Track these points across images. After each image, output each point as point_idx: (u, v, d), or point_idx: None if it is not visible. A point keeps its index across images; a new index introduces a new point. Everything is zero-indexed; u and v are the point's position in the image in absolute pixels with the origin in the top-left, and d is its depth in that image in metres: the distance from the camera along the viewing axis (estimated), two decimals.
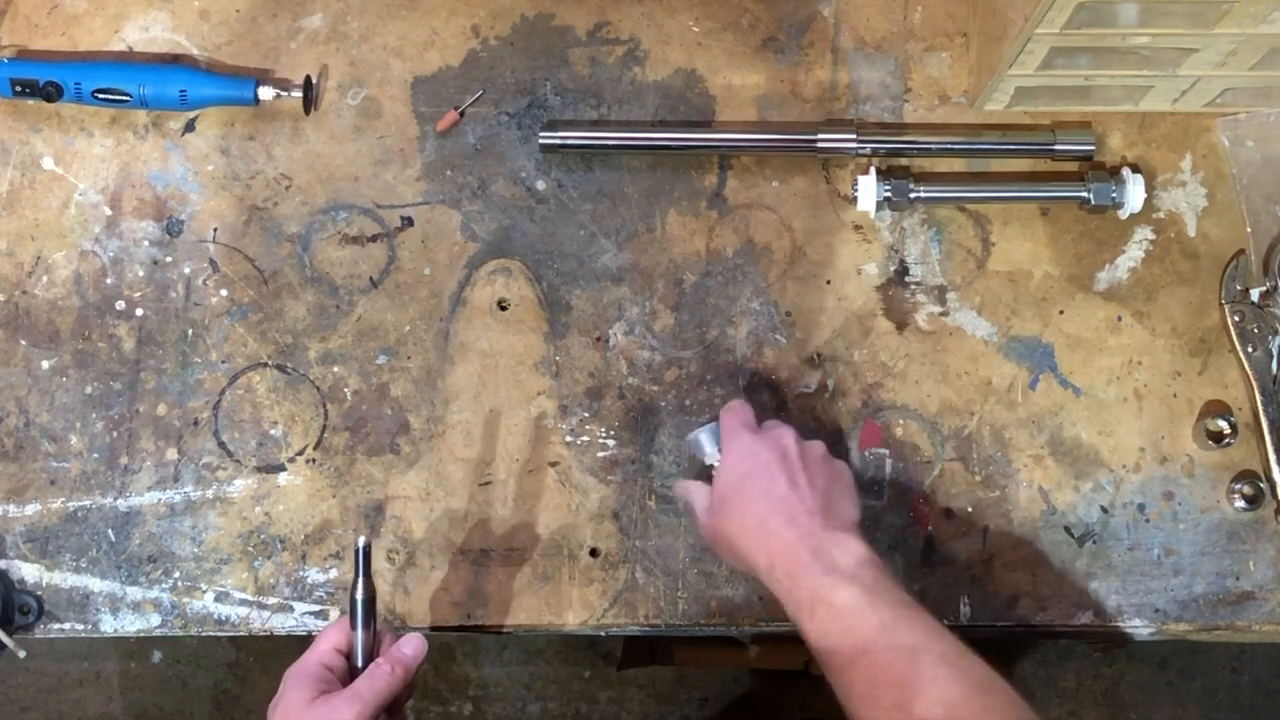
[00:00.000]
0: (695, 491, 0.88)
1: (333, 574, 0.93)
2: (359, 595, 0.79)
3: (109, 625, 0.93)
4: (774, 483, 0.82)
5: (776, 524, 0.80)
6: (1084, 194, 0.95)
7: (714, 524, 0.84)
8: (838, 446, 0.94)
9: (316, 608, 0.93)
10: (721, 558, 0.87)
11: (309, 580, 0.93)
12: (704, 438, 0.89)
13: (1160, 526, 0.94)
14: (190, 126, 0.98)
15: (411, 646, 0.80)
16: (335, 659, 0.79)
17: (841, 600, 0.75)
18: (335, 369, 0.96)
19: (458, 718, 1.86)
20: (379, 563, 0.93)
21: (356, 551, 0.80)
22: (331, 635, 0.80)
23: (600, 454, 0.95)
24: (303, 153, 0.98)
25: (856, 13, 1.00)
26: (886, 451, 0.95)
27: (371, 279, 0.97)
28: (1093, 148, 0.96)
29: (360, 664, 0.79)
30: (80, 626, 0.93)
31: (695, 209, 0.98)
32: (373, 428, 0.95)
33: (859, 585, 0.75)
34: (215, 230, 0.97)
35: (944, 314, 0.96)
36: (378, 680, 0.77)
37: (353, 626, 0.80)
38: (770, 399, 0.95)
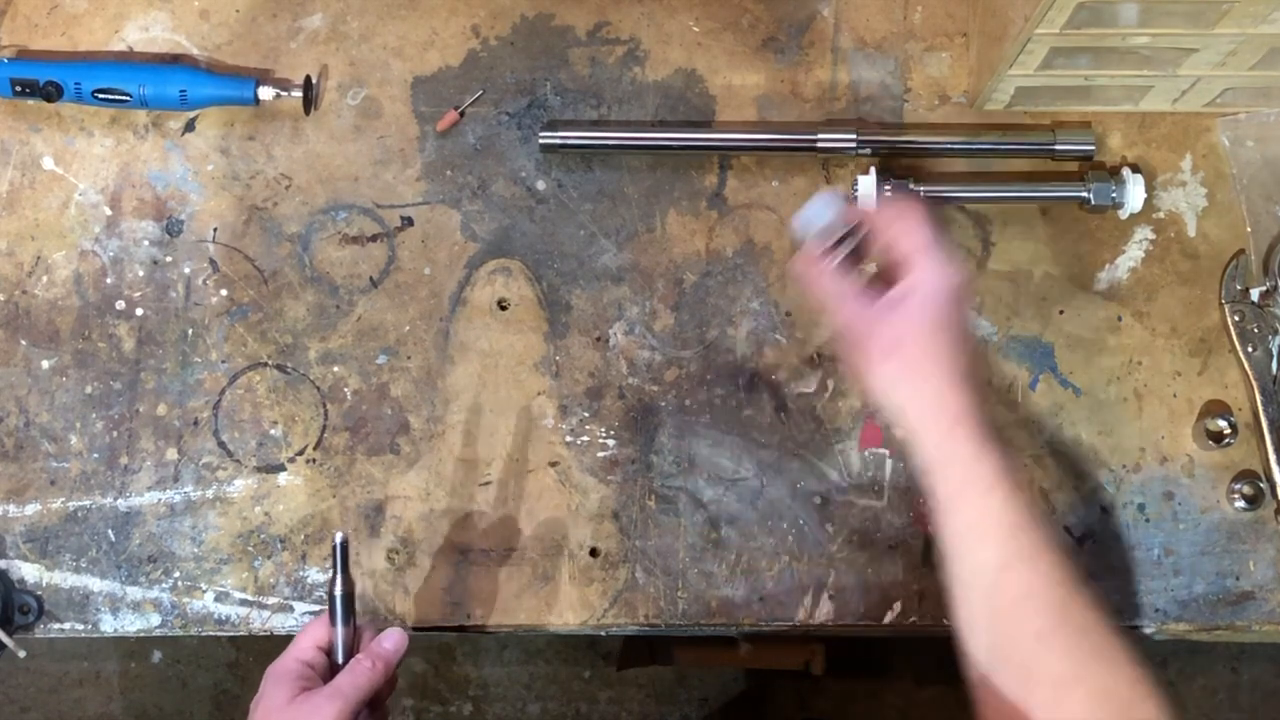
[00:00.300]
0: (852, 308, 0.77)
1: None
2: (337, 591, 0.79)
3: (109, 625, 0.93)
4: (966, 342, 0.75)
5: (972, 385, 0.73)
6: (1084, 194, 0.95)
7: (888, 366, 0.75)
8: (838, 446, 0.95)
9: (316, 608, 0.93)
10: (867, 385, 0.77)
11: (309, 580, 0.93)
12: (826, 208, 0.78)
13: (1160, 526, 0.94)
14: (190, 126, 0.98)
15: (392, 641, 0.80)
16: (316, 656, 0.79)
17: (1023, 493, 0.71)
18: (335, 369, 0.96)
19: (458, 718, 1.86)
20: (379, 563, 0.93)
21: (334, 547, 0.79)
22: (311, 632, 0.80)
23: (600, 454, 0.95)
24: (303, 153, 0.98)
25: (856, 13, 1.00)
26: (886, 451, 0.95)
27: (371, 279, 0.97)
28: (1093, 148, 0.96)
29: (341, 660, 0.79)
30: (80, 626, 0.93)
31: (695, 209, 0.98)
32: (373, 428, 0.95)
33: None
34: (215, 230, 0.97)
35: None
36: (358, 676, 0.77)
37: (332, 623, 0.79)
38: (770, 399, 0.95)
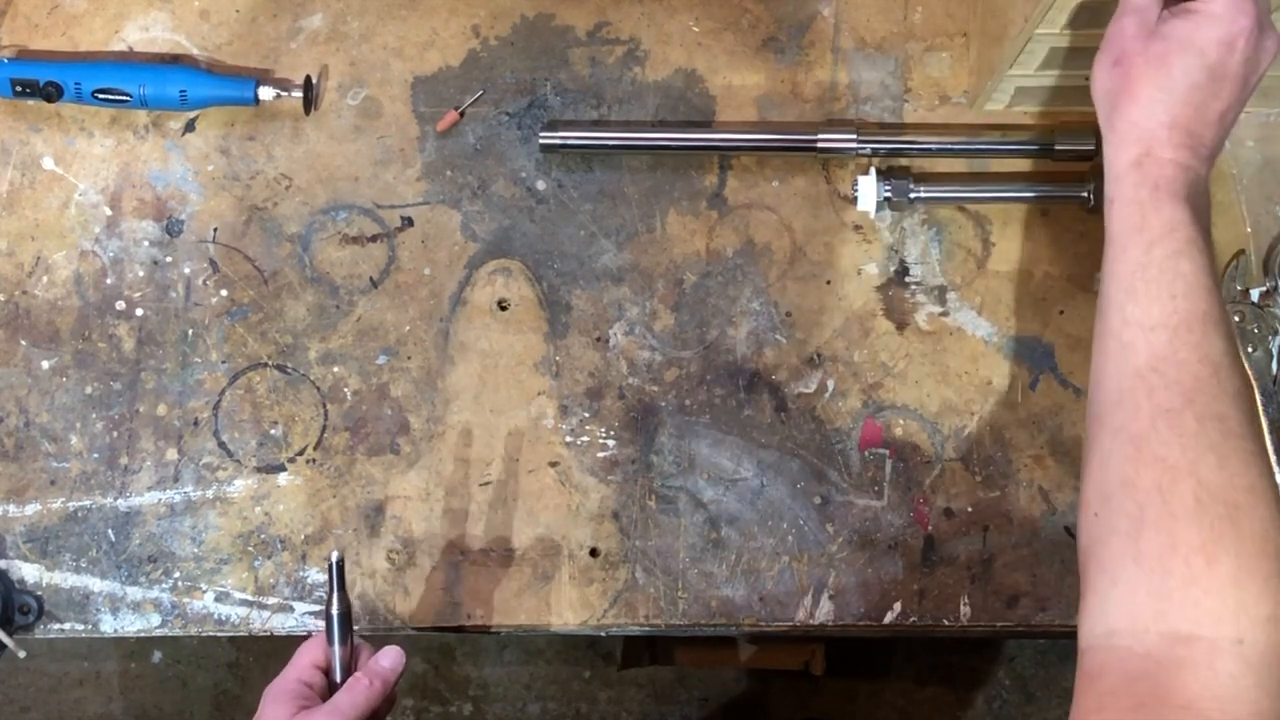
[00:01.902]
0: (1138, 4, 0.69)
1: None
2: (334, 610, 0.79)
3: (109, 625, 0.93)
4: (1221, 102, 0.66)
5: (1194, 143, 0.66)
6: (1084, 194, 0.95)
7: (1110, 73, 0.69)
8: (838, 446, 0.95)
9: (316, 608, 0.93)
10: (1093, 83, 0.70)
11: (309, 580, 0.93)
12: None
13: None
14: (190, 126, 0.98)
15: (389, 659, 0.80)
16: (314, 675, 0.79)
17: (1200, 255, 0.63)
18: (335, 369, 0.96)
19: (458, 718, 1.86)
20: (379, 563, 0.93)
21: (330, 566, 0.80)
22: (309, 652, 0.80)
23: (600, 454, 0.95)
24: (303, 153, 0.98)
25: (856, 13, 1.00)
26: (886, 451, 0.95)
27: (371, 279, 0.97)
28: (1093, 148, 0.96)
29: (339, 679, 0.80)
30: (80, 626, 0.93)
31: (695, 209, 0.98)
32: (373, 428, 0.95)
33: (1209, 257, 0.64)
34: (215, 230, 0.97)
35: (944, 314, 0.96)
36: (357, 694, 0.77)
37: (329, 642, 0.80)
38: (770, 399, 0.95)
